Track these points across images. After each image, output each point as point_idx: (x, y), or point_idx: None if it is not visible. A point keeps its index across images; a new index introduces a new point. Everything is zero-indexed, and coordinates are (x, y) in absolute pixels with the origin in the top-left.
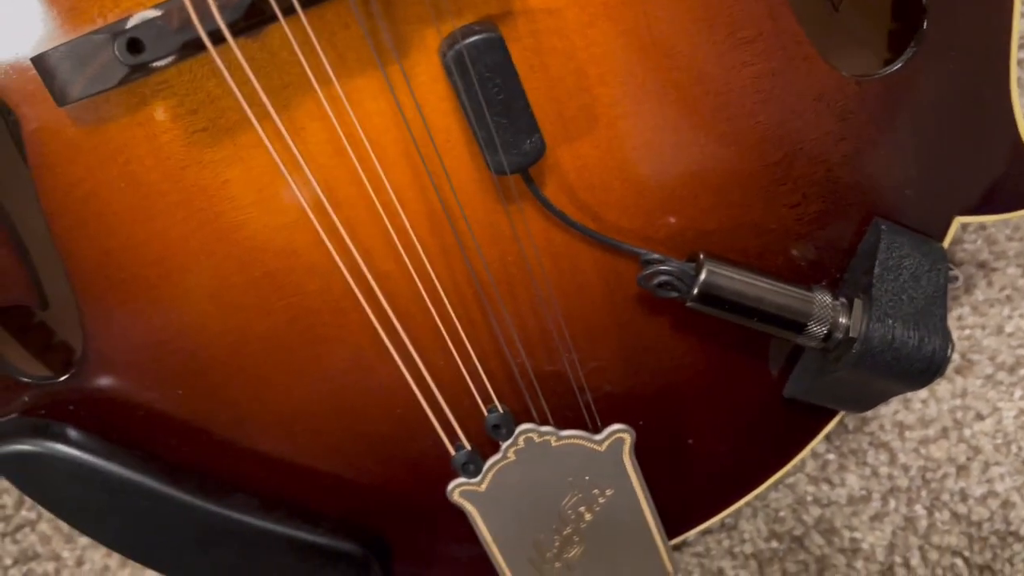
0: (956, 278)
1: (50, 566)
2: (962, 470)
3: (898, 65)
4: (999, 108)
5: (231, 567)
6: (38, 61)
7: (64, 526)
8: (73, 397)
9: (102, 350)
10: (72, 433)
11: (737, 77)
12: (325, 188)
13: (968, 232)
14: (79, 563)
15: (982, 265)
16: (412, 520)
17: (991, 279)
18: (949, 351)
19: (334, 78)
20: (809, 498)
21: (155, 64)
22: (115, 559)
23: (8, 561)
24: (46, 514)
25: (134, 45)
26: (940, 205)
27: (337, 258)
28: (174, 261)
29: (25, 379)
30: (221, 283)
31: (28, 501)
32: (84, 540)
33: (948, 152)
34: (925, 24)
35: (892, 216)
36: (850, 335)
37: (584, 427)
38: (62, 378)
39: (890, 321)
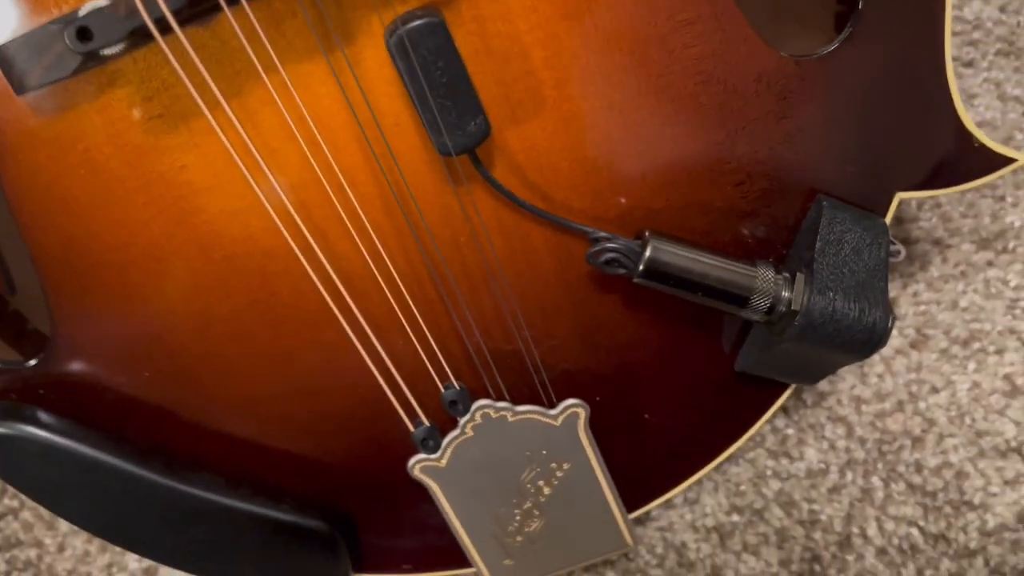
0: (899, 252)
1: (32, 552)
2: (917, 442)
3: (835, 45)
4: (936, 86)
5: (200, 544)
6: None
7: (46, 513)
8: (43, 381)
9: (70, 335)
10: (43, 416)
11: (678, 59)
12: (278, 173)
13: (923, 210)
14: (60, 549)
15: (937, 242)
16: (378, 496)
17: (946, 255)
18: (890, 322)
19: (279, 65)
20: (769, 472)
21: (105, 52)
22: (95, 544)
23: None
24: (28, 503)
25: (83, 33)
26: (882, 182)
27: (291, 242)
28: (136, 246)
29: None
30: (183, 267)
31: (10, 490)
32: (65, 527)
33: (888, 130)
34: (860, 4)
35: (835, 193)
36: (792, 308)
37: (541, 403)
38: (31, 363)
39: (831, 294)
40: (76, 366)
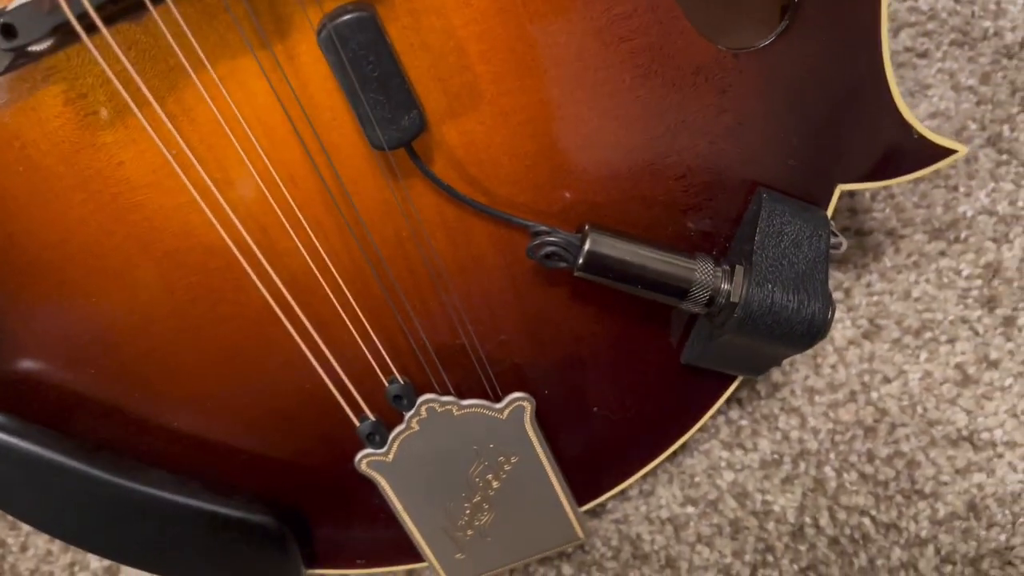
0: (840, 244)
1: None
2: (869, 432)
3: (771, 38)
4: (874, 78)
5: (149, 541)
6: None
7: (8, 515)
8: None
9: (13, 332)
10: None
11: (615, 52)
12: (215, 169)
13: (877, 201)
14: (23, 548)
15: (890, 233)
16: (329, 491)
17: (899, 246)
18: (829, 314)
19: (208, 62)
20: (723, 463)
21: (32, 49)
22: (57, 544)
23: None
24: None
25: (8, 30)
26: (822, 174)
27: (228, 240)
28: (74, 243)
29: None
30: (123, 263)
31: None
32: (28, 527)
33: (828, 123)
34: None
35: (776, 185)
36: (731, 300)
37: (487, 398)
38: None
39: (769, 286)
40: (20, 363)
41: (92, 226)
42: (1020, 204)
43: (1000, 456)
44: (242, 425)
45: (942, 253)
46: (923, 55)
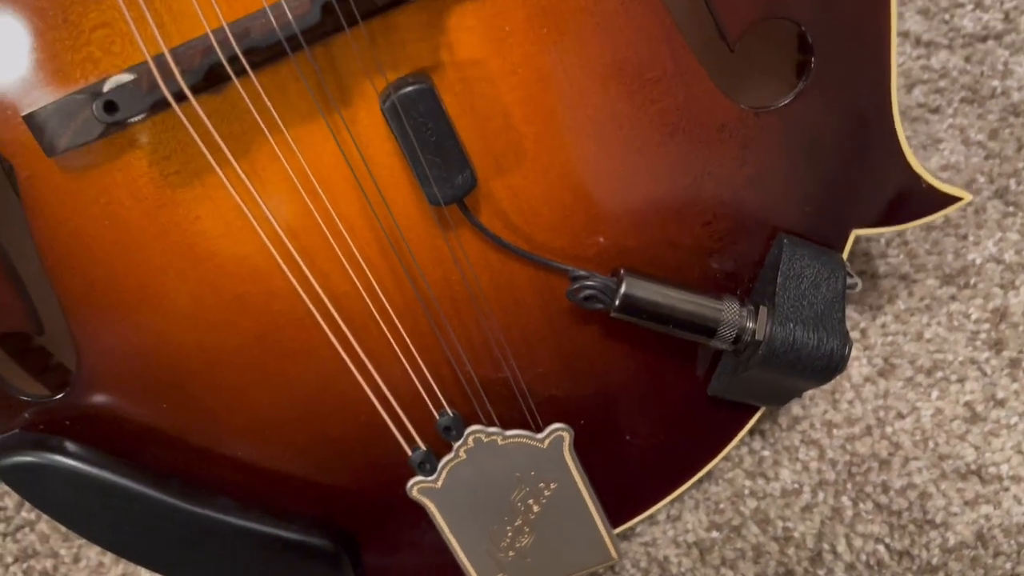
0: (856, 284)
1: (48, 563)
2: (884, 464)
3: (790, 98)
4: (885, 132)
5: (214, 564)
6: (29, 118)
7: (61, 526)
8: (69, 413)
9: (93, 369)
10: (68, 445)
11: (646, 112)
12: (284, 221)
13: (891, 247)
14: (76, 560)
15: (904, 277)
16: (378, 516)
17: (912, 290)
18: (847, 350)
19: (283, 126)
20: (746, 491)
21: (129, 121)
22: (109, 557)
23: (9, 559)
24: (45, 515)
25: (110, 106)
26: (838, 220)
27: (294, 281)
28: (153, 287)
29: (25, 398)
30: (196, 305)
31: (27, 504)
32: (80, 539)
33: (842, 173)
34: (813, 61)
35: (795, 231)
36: (756, 338)
37: (528, 427)
38: (58, 396)
39: (791, 325)
40: (99, 398)
41: (170, 273)
42: None
43: (1006, 489)
44: (298, 453)
45: (952, 298)
46: (935, 111)
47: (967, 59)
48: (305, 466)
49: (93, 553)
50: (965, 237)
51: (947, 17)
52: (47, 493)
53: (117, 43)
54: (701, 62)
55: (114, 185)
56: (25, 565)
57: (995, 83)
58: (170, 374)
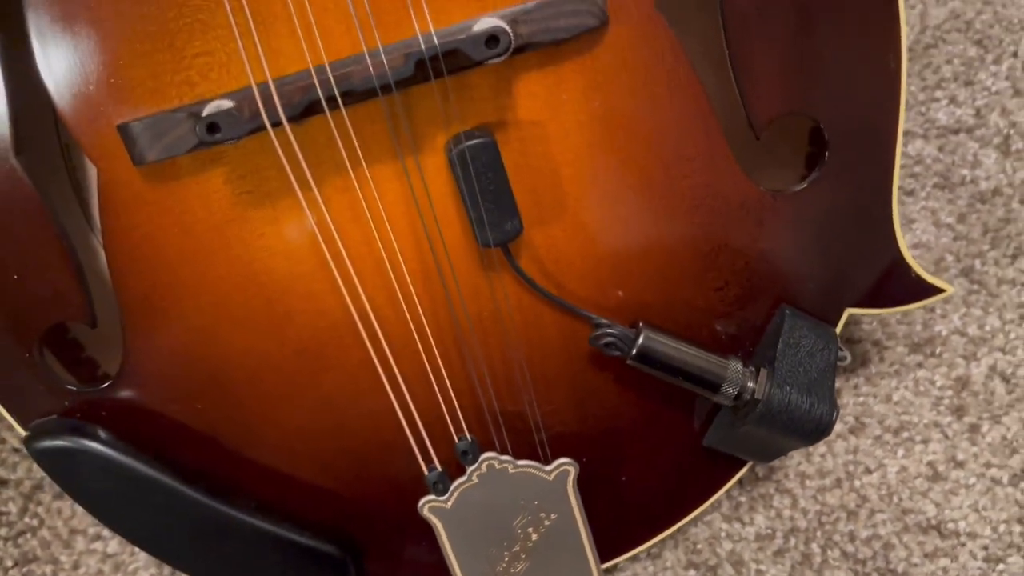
0: (845, 357)
1: (48, 568)
2: (852, 515)
3: (804, 185)
4: (883, 225)
5: (228, 561)
6: (123, 128)
7: (63, 532)
8: (106, 404)
9: (138, 365)
10: (102, 434)
11: (678, 185)
12: (347, 246)
13: (866, 316)
14: (75, 567)
15: (876, 343)
16: (384, 529)
17: (883, 355)
18: (834, 416)
19: (363, 160)
20: (723, 533)
21: (223, 142)
22: (109, 566)
23: (9, 563)
24: (47, 520)
25: (212, 127)
26: (835, 298)
27: (349, 302)
28: (210, 295)
29: (70, 387)
30: (247, 315)
31: (30, 509)
32: (81, 547)
33: (842, 257)
34: (827, 155)
35: (796, 303)
36: (755, 397)
37: (537, 458)
38: (101, 387)
39: (788, 388)
40: (138, 393)
41: (228, 284)
42: (987, 328)
43: (963, 544)
44: (318, 462)
45: (919, 365)
46: (910, 193)
47: (940, 148)
48: (322, 476)
49: (93, 561)
50: (933, 310)
51: (923, 110)
52: (78, 478)
53: (215, 71)
54: (729, 146)
55: (189, 198)
56: (25, 569)
57: (965, 172)
58: (211, 377)
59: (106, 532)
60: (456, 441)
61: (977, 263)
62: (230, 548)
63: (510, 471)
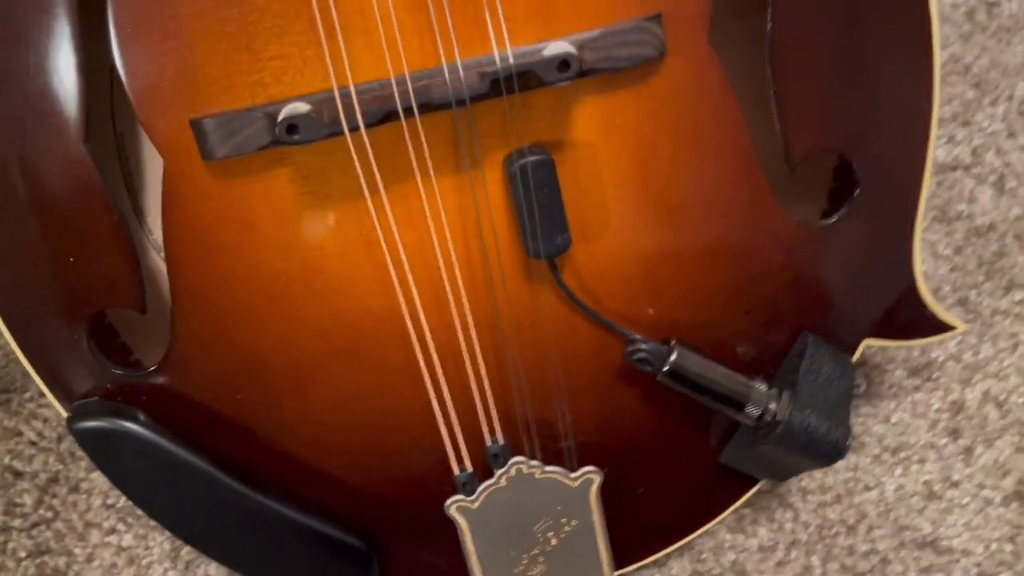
0: (859, 385)
1: (61, 560)
2: (851, 530)
3: (834, 219)
4: (903, 260)
5: (258, 549)
6: (195, 124)
7: (78, 525)
8: (148, 390)
9: (184, 353)
10: (142, 417)
11: (716, 211)
12: (400, 252)
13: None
14: (89, 560)
15: (877, 366)
16: (405, 525)
17: (883, 378)
18: (849, 441)
19: (431, 169)
20: (727, 544)
21: (300, 144)
22: (123, 559)
23: (23, 553)
24: (63, 513)
25: (292, 129)
26: (853, 329)
27: (402, 304)
28: (263, 290)
29: (116, 371)
30: (296, 311)
31: (45, 501)
32: (95, 539)
33: (864, 288)
34: (857, 192)
35: (817, 331)
36: (777, 418)
37: (563, 465)
38: (145, 370)
39: (808, 411)
40: (180, 381)
41: (281, 280)
42: (981, 356)
43: (957, 561)
44: (349, 457)
45: (917, 388)
46: None
47: (939, 184)
48: (350, 471)
49: (107, 554)
50: None
51: None
52: (116, 459)
53: (288, 74)
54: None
55: (252, 195)
56: (38, 560)
57: (962, 207)
58: (253, 369)
59: (121, 526)
60: (488, 444)
61: (972, 294)
62: (260, 536)
63: (537, 476)
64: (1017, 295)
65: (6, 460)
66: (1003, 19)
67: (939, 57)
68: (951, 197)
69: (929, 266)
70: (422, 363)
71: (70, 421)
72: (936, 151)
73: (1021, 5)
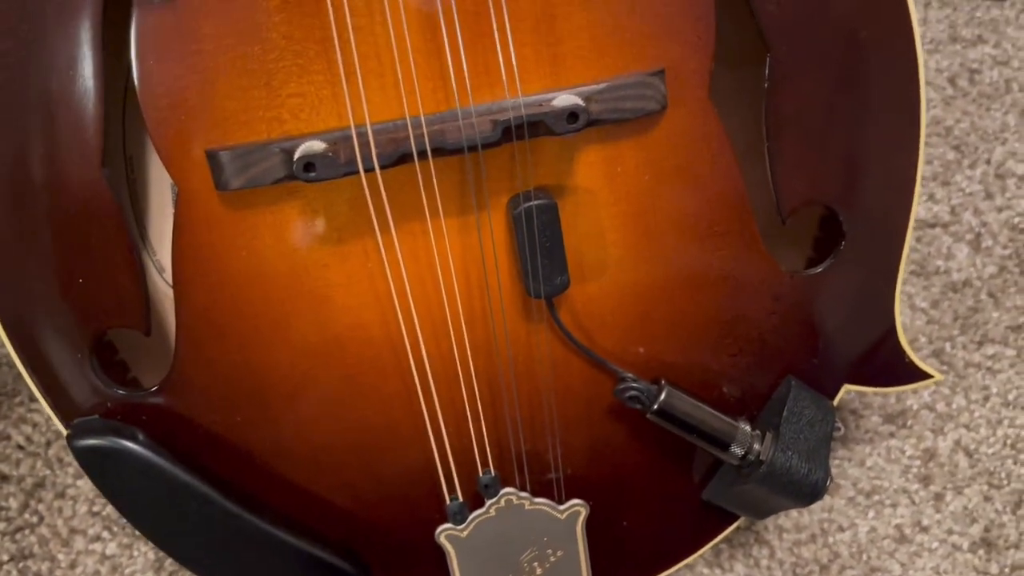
0: (839, 429)
1: (44, 566)
2: (824, 569)
3: (820, 269)
4: (885, 310)
5: (250, 570)
6: (211, 155)
7: (63, 530)
8: (148, 409)
9: (186, 375)
10: (141, 436)
11: (709, 257)
12: (400, 285)
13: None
14: (72, 566)
15: (853, 411)
16: (393, 551)
17: (858, 423)
18: (828, 482)
19: (440, 209)
20: None
21: (314, 181)
22: (107, 567)
23: (5, 557)
24: (47, 518)
25: (309, 167)
26: (834, 374)
27: (405, 336)
28: (269, 316)
29: (118, 390)
30: (300, 338)
31: (31, 506)
32: (80, 546)
33: (846, 335)
34: (843, 244)
35: (800, 375)
36: (760, 458)
37: (551, 497)
38: (152, 388)
39: (790, 453)
40: (181, 402)
41: (287, 306)
42: (954, 406)
43: None
44: (343, 482)
45: (892, 434)
46: None
47: (918, 240)
48: (346, 495)
49: (91, 561)
50: None
51: None
52: (114, 478)
53: (305, 112)
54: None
55: (263, 225)
56: (21, 564)
57: (939, 263)
58: (254, 393)
59: (106, 533)
60: (480, 474)
61: (947, 346)
62: (253, 557)
63: (526, 507)
64: (990, 349)
65: None
66: (984, 86)
67: (924, 120)
68: (929, 253)
69: (907, 318)
70: (420, 393)
71: (70, 438)
72: (916, 209)
73: (1001, 74)
